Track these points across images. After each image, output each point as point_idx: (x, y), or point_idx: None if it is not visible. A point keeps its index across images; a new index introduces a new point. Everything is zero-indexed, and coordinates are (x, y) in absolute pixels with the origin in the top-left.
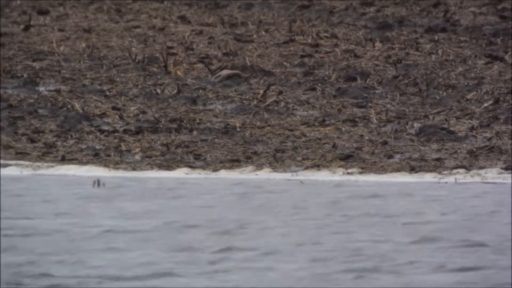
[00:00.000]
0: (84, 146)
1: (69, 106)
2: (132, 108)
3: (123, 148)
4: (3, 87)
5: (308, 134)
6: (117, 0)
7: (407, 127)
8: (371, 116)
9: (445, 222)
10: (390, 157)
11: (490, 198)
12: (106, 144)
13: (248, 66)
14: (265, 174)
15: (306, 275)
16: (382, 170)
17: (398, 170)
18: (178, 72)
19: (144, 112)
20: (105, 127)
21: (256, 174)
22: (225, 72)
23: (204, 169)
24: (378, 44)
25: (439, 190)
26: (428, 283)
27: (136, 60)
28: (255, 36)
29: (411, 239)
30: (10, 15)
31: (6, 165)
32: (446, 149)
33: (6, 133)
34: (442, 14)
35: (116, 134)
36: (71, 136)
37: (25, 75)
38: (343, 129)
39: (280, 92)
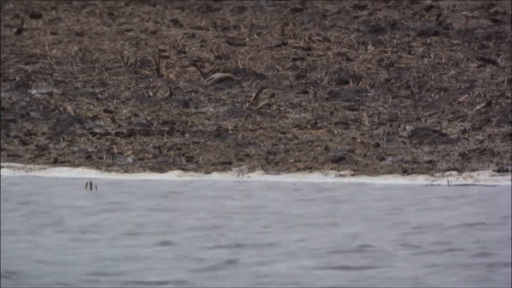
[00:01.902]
0: (76, 149)
1: (61, 109)
2: (124, 111)
3: (115, 150)
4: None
5: (300, 137)
6: (109, 2)
7: (399, 129)
8: (363, 118)
9: None
10: (383, 159)
11: None
12: (98, 147)
13: (240, 69)
14: (258, 176)
15: None
16: (375, 172)
17: (390, 172)
18: (170, 75)
19: (136, 115)
20: (97, 130)
21: (249, 177)
22: (217, 75)
23: (196, 172)
24: (370, 47)
25: None
26: None
27: (128, 63)
28: (247, 39)
29: None
30: (3, 18)
31: None
32: (439, 152)
33: None
34: (435, 17)
35: (108, 136)
36: (63, 138)
37: (17, 78)
38: (335, 131)
39: (272, 95)
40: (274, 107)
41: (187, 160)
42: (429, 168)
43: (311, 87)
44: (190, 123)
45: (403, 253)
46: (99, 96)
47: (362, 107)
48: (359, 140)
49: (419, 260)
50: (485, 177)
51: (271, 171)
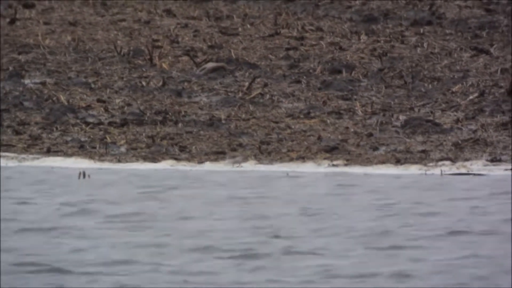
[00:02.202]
0: (69, 138)
1: (54, 99)
2: (117, 101)
3: (108, 140)
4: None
5: (293, 126)
6: None
7: (392, 119)
8: (356, 108)
9: None
10: (376, 149)
11: None
12: (91, 136)
13: (233, 59)
14: (250, 166)
15: None
16: (368, 162)
17: (383, 162)
18: (163, 65)
19: (129, 105)
20: (90, 119)
21: (242, 166)
22: (210, 64)
23: (189, 161)
24: (363, 37)
25: None
26: None
27: (122, 53)
28: (240, 29)
29: None
30: None
31: None
32: (432, 141)
33: None
34: (428, 7)
35: (101, 126)
36: (57, 128)
37: (10, 68)
38: (328, 121)
39: (265, 85)
40: (267, 96)
41: (180, 150)
42: (422, 158)
43: (304, 77)
44: (183, 113)
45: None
46: (92, 86)
47: (355, 96)
48: (352, 130)
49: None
50: (478, 167)
51: (264, 161)
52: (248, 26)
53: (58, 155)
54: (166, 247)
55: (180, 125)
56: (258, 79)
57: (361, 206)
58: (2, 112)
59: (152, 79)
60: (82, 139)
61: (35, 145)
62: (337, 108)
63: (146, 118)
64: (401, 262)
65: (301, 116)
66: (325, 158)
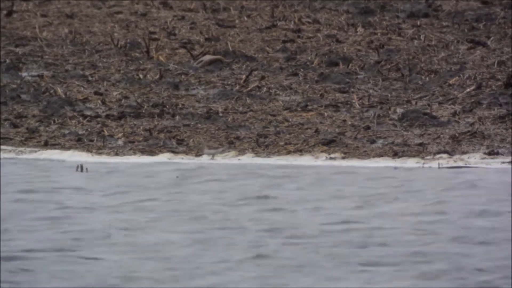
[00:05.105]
0: (67, 131)
1: (51, 91)
2: (115, 93)
3: (106, 133)
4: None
5: (290, 119)
6: None
7: (389, 112)
8: (354, 101)
9: None
10: (373, 142)
11: None
12: (88, 129)
13: (230, 51)
14: (248, 159)
15: None
16: (365, 155)
17: (381, 155)
18: (160, 57)
19: (126, 97)
20: (88, 112)
21: (239, 159)
22: (207, 57)
23: (186, 154)
24: (360, 29)
25: None
26: None
27: (118, 46)
28: (237, 21)
29: None
30: None
31: None
32: (429, 134)
33: None
34: None
35: (99, 119)
36: (54, 121)
37: (7, 61)
38: (326, 114)
39: (263, 77)
40: (264, 89)
41: (178, 143)
42: (420, 151)
43: (301, 69)
44: (180, 106)
45: None
46: (90, 78)
47: (352, 89)
48: (349, 122)
49: None
50: (475, 160)
51: (262, 154)
52: (245, 18)
53: (55, 148)
54: None
55: (177, 118)
56: (255, 72)
57: None
58: (0, 105)
59: (149, 71)
60: (80, 132)
61: (32, 138)
62: (334, 101)
63: (144, 111)
64: None
65: (299, 109)
66: (322, 151)
